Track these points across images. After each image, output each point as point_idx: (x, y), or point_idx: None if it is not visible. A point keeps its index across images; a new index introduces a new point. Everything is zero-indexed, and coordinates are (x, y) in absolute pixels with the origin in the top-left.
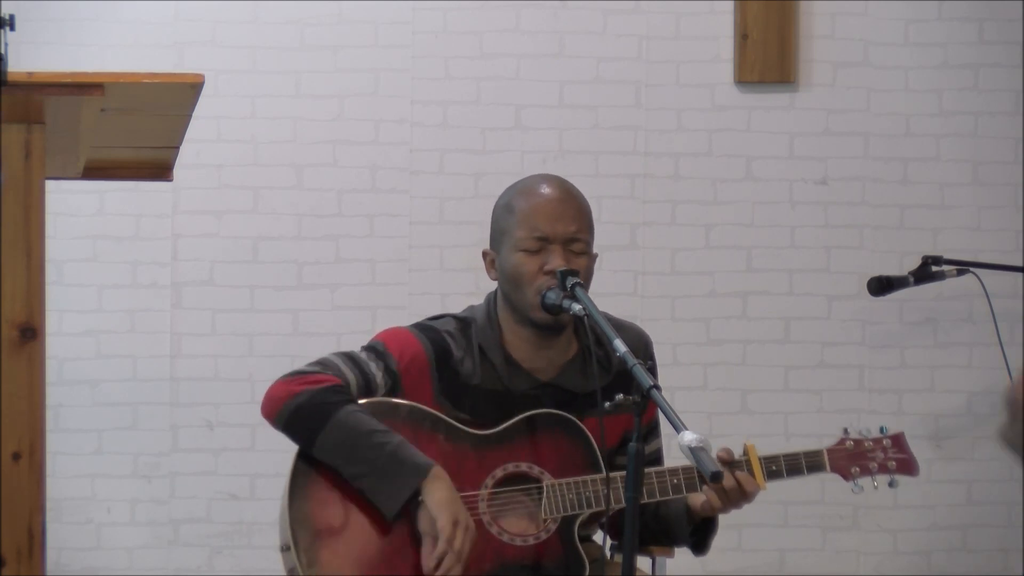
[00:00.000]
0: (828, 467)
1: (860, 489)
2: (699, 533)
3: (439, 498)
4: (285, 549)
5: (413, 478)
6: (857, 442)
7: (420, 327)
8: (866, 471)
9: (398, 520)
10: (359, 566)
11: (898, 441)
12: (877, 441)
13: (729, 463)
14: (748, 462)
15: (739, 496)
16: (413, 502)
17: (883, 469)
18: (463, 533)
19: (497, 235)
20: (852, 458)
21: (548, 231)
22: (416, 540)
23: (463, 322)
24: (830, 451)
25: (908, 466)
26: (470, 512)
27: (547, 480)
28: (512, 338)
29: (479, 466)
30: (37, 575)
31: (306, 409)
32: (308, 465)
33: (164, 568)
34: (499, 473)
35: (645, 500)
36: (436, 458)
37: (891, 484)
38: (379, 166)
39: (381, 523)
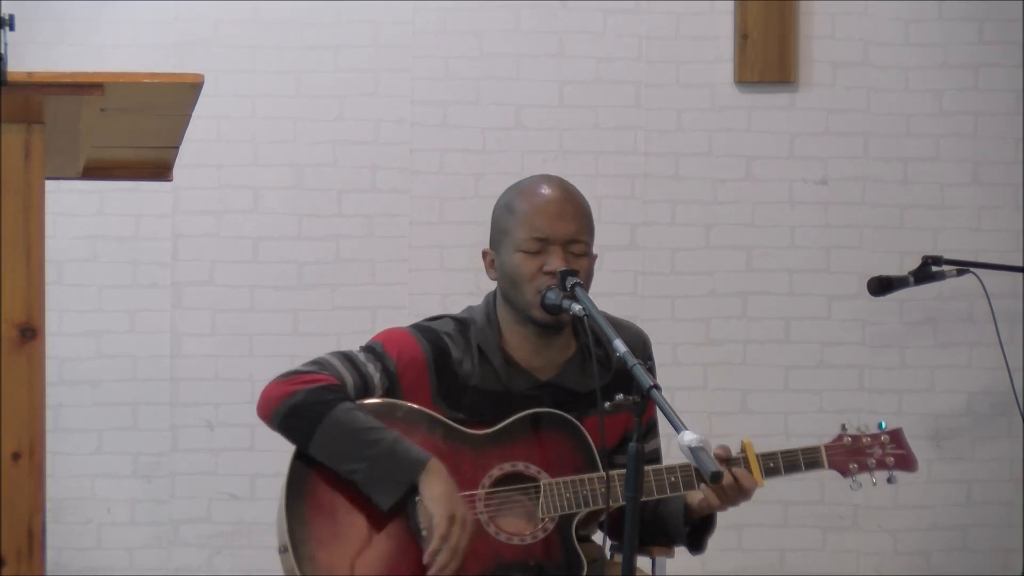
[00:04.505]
0: (826, 463)
1: (859, 486)
2: (695, 531)
3: (435, 493)
4: (283, 551)
5: (409, 473)
6: (855, 438)
7: (418, 328)
8: (864, 467)
9: (396, 518)
10: (357, 567)
11: (896, 437)
12: (875, 437)
13: (727, 460)
14: (746, 459)
15: (737, 494)
16: (411, 497)
17: (881, 465)
18: (459, 528)
19: (497, 235)
20: (850, 454)
21: (548, 232)
22: (414, 539)
23: (462, 323)
24: (828, 447)
25: (907, 462)
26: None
27: (544, 479)
28: (511, 338)
29: (476, 465)
30: (37, 575)
31: (301, 408)
32: (305, 465)
33: (164, 568)
34: (496, 472)
35: (643, 498)
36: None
37: (890, 480)
38: (379, 166)
39: (379, 523)
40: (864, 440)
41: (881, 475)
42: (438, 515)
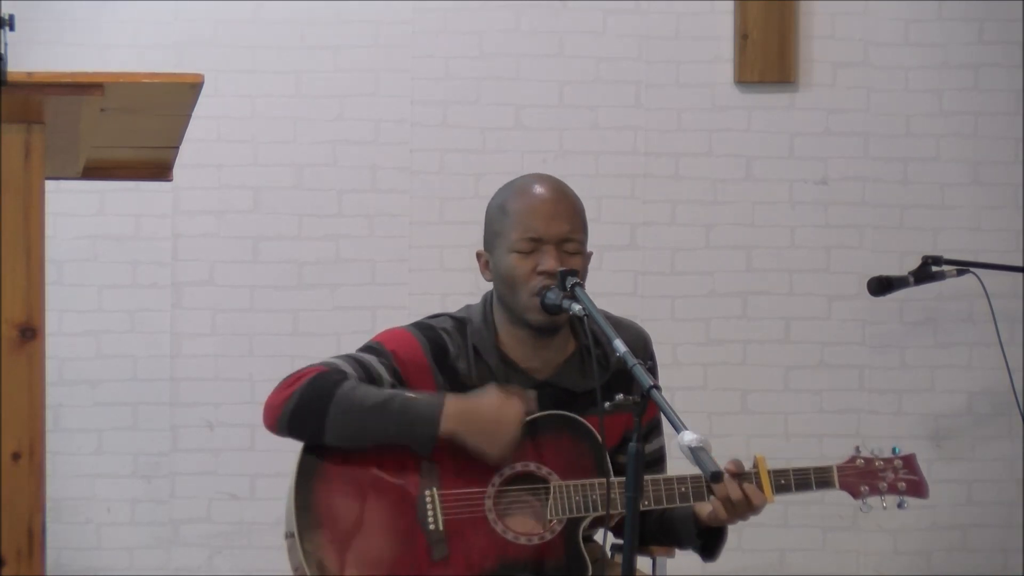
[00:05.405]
0: (837, 484)
1: (868, 508)
2: (706, 538)
3: (474, 443)
4: (289, 536)
5: (428, 434)
6: (868, 461)
7: (417, 326)
8: (875, 491)
9: (404, 508)
10: (363, 555)
11: (909, 462)
12: (888, 461)
13: (738, 475)
14: (757, 475)
15: (746, 509)
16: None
17: (893, 490)
18: (507, 427)
19: (491, 236)
20: (862, 476)
21: (541, 232)
22: (421, 530)
23: (459, 322)
24: (840, 468)
25: (918, 488)
26: (475, 510)
27: (554, 481)
28: (508, 338)
29: (487, 464)
30: (37, 575)
31: (303, 405)
32: (315, 454)
33: (164, 568)
34: (507, 472)
35: (651, 507)
36: (445, 453)
37: (900, 506)
38: (379, 166)
39: (387, 513)
40: (877, 463)
41: (892, 499)
42: (494, 455)
